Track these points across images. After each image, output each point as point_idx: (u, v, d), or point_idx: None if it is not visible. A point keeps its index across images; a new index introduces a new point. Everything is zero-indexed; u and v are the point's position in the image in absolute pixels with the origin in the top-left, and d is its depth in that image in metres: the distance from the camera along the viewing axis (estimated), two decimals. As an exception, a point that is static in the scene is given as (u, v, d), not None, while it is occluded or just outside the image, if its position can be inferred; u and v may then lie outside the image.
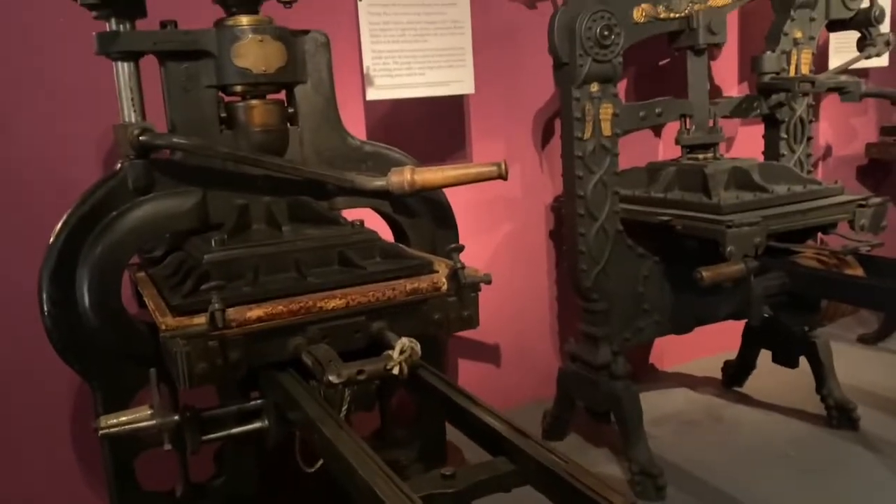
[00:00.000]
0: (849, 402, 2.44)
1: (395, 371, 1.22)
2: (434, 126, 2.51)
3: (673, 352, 3.04)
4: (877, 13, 2.48)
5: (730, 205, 1.99)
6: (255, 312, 1.26)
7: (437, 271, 1.46)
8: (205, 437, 1.37)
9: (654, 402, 2.67)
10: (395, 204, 1.77)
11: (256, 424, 1.40)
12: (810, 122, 2.51)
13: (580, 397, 2.36)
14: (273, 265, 1.44)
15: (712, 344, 2.95)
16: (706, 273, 1.84)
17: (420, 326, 1.42)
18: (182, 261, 1.53)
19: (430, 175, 1.66)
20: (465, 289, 1.43)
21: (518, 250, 2.71)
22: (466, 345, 2.64)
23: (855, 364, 2.89)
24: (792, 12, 2.40)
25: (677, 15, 2.23)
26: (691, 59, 2.30)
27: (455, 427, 1.24)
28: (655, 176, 2.31)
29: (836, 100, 2.79)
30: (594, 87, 2.11)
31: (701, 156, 2.31)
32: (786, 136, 2.47)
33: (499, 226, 2.67)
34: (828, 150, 3.38)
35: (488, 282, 1.46)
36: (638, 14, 2.17)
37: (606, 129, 2.15)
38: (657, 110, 2.27)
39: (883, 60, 3.04)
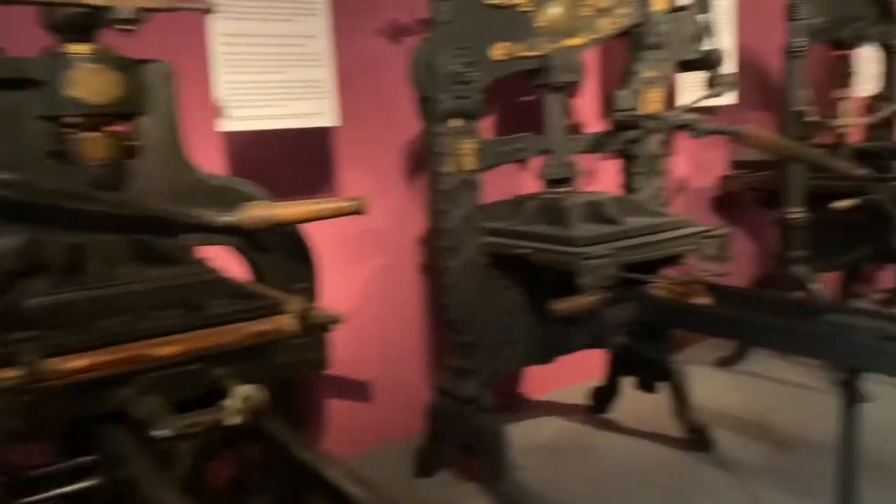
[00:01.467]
0: (704, 426, 2.55)
1: (233, 421, 1.15)
2: (300, 159, 2.46)
3: (544, 380, 3.09)
4: (718, 56, 2.64)
5: (585, 237, 2.05)
6: (78, 363, 1.17)
7: (285, 312, 1.41)
8: (25, 500, 1.25)
9: (524, 432, 2.69)
10: (248, 240, 1.71)
11: (87, 483, 1.29)
12: (663, 156, 2.64)
13: (449, 431, 2.34)
14: (107, 309, 1.35)
15: (582, 371, 3.02)
16: (560, 305, 1.88)
17: (266, 371, 1.36)
18: (5, 307, 1.41)
19: (284, 210, 1.62)
20: (314, 330, 1.39)
21: (389, 284, 2.68)
22: (336, 382, 2.58)
23: (713, 387, 3.04)
24: (641, 53, 2.52)
25: (536, 53, 2.29)
26: (550, 97, 2.37)
27: (297, 481, 1.19)
28: (519, 209, 2.35)
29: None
30: (456, 123, 2.13)
31: (561, 189, 2.38)
32: (640, 170, 2.58)
33: (368, 259, 2.64)
34: (684, 183, 3.56)
35: (338, 322, 1.42)
36: (497, 52, 2.22)
37: (469, 163, 2.17)
38: (518, 146, 2.32)
39: (731, 98, 3.26)
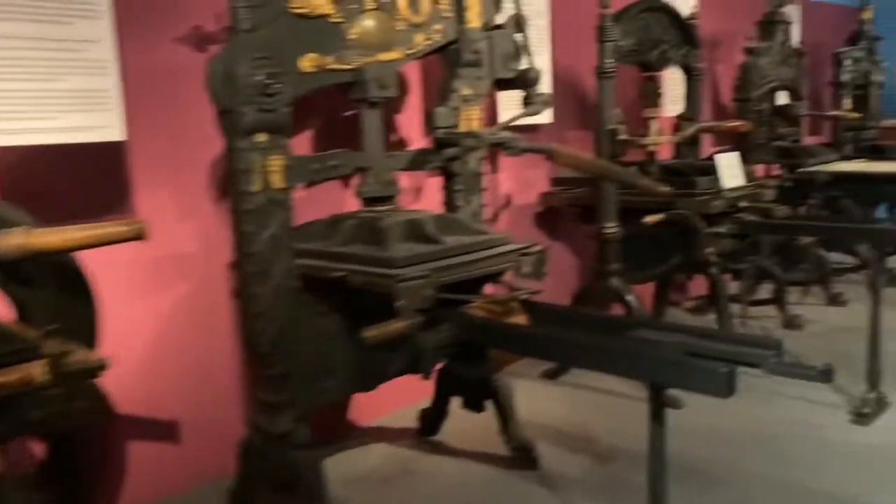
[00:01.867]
0: (528, 443, 2.55)
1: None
2: (88, 178, 2.20)
3: (373, 405, 2.98)
4: (534, 75, 2.67)
5: (402, 258, 1.97)
6: None
7: (38, 358, 1.20)
8: None
9: (349, 462, 2.57)
10: (6, 272, 1.47)
11: None
12: (483, 174, 2.62)
13: (263, 470, 2.17)
14: None
15: (412, 392, 2.93)
16: (371, 333, 1.78)
17: (15, 429, 1.15)
18: None
19: (44, 238, 1.40)
20: (73, 378, 1.19)
21: (197, 313, 2.47)
22: (137, 423, 2.33)
23: (539, 400, 3.07)
24: (459, 70, 2.50)
25: (348, 67, 2.19)
26: (365, 112, 2.28)
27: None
28: (336, 229, 2.24)
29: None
30: (261, 138, 1.98)
31: (379, 208, 2.29)
32: (461, 188, 2.55)
33: (172, 287, 2.42)
34: (509, 200, 3.60)
35: (104, 367, 1.23)
36: (306, 63, 2.09)
37: (277, 181, 2.03)
38: (332, 163, 2.20)
39: (547, 117, 3.33)
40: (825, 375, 1.49)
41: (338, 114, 2.74)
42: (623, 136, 3.06)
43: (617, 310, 3.22)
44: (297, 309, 2.08)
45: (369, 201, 2.30)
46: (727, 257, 3.16)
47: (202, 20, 2.39)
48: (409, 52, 2.37)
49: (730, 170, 3.13)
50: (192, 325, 2.45)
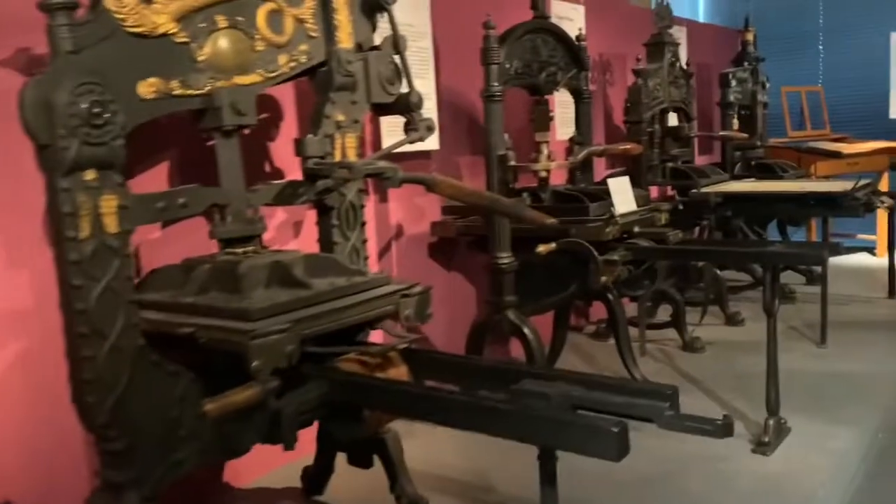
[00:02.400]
0: (420, 499, 2.33)
1: None
2: None
3: (252, 463, 2.69)
4: (415, 99, 2.50)
5: (258, 309, 1.73)
6: None
7: None
8: None
9: (220, 536, 2.28)
10: None
11: None
12: (363, 206, 2.41)
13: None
14: None
15: (297, 447, 2.67)
16: (211, 406, 1.53)
17: None
18: None
19: None
20: None
21: (32, 378, 2.13)
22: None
23: (435, 446, 2.85)
24: (331, 94, 2.29)
25: (197, 92, 1.95)
26: (220, 143, 2.03)
27: None
28: (190, 276, 1.97)
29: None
30: (89, 175, 1.71)
31: (240, 250, 2.04)
32: (338, 223, 2.33)
33: (2, 348, 2.08)
34: (399, 231, 3.40)
35: None
36: (145, 89, 1.84)
37: (111, 224, 1.75)
38: (181, 200, 1.94)
39: (434, 143, 3.16)
40: (725, 430, 1.34)
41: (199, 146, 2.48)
42: (513, 162, 2.92)
43: (515, 344, 3.06)
44: (141, 372, 1.80)
45: (228, 242, 2.05)
46: (625, 284, 3.06)
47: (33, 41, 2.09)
48: (271, 75, 2.14)
49: (621, 194, 3.04)
50: (28, 390, 2.11)
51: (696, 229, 4.05)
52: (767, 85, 5.60)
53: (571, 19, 3.96)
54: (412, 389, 1.58)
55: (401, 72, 2.47)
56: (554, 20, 3.83)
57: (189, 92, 1.93)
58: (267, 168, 2.82)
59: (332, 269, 2.06)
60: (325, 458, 2.51)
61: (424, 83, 3.01)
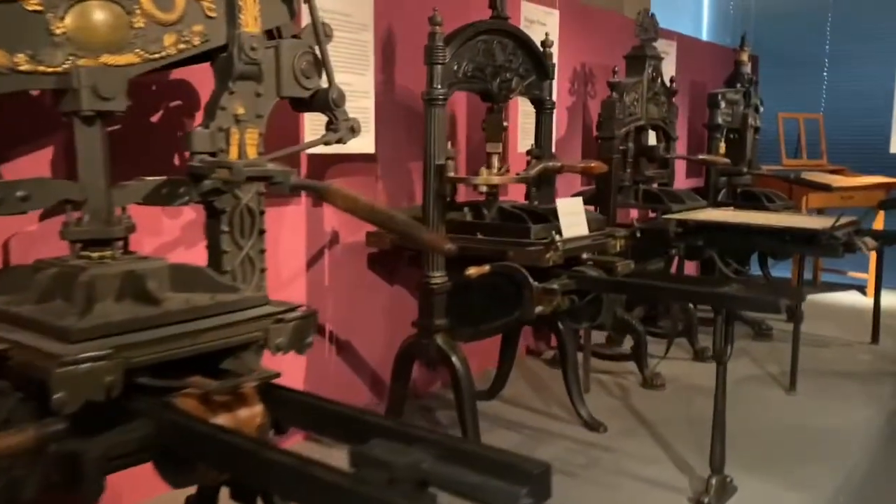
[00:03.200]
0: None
1: None
2: None
3: (137, 486, 2.43)
4: (335, 96, 2.23)
5: (82, 329, 1.46)
6: None
7: None
8: None
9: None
10: None
11: None
12: (263, 212, 2.14)
13: None
14: None
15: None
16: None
17: None
18: None
19: None
20: None
21: None
22: None
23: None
24: (230, 83, 2.02)
25: (50, 69, 1.68)
26: (80, 130, 1.76)
27: None
28: (35, 280, 1.71)
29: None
30: None
31: (96, 254, 1.78)
32: (228, 229, 2.05)
33: None
34: (335, 238, 3.14)
35: None
36: (-17, 62, 1.57)
37: (-80, 217, 1.49)
38: (20, 193, 1.67)
39: (368, 146, 2.89)
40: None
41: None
42: (451, 173, 2.65)
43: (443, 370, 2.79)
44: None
45: (85, 245, 1.78)
46: (568, 314, 2.78)
47: None
48: (152, 56, 1.87)
49: (571, 216, 2.77)
50: None
51: (667, 258, 3.77)
52: (761, 108, 5.33)
53: (543, 24, 3.69)
54: (240, 444, 1.32)
55: (319, 64, 2.21)
56: (523, 24, 3.58)
57: (40, 69, 1.66)
58: (176, 161, 2.57)
59: (200, 283, 1.79)
60: (208, 491, 2.24)
61: (362, 80, 2.75)
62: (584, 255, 2.77)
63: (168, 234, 2.56)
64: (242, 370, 1.72)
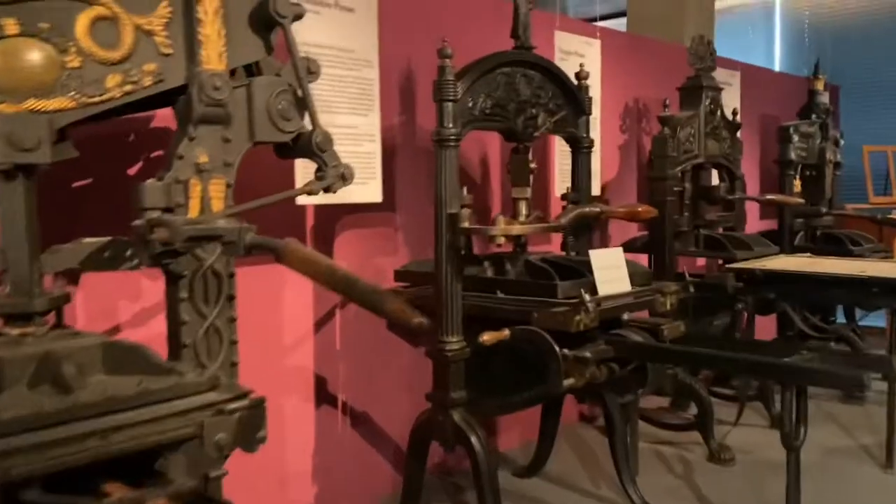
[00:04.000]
0: None
1: None
2: None
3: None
4: (318, 139, 1.95)
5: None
6: None
7: None
8: None
9: None
10: None
11: None
12: (233, 275, 1.86)
13: None
14: None
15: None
16: None
17: None
18: None
19: None
20: None
21: None
22: None
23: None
24: (191, 129, 1.76)
25: (-44, 115, 1.45)
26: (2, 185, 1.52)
27: None
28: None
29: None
30: None
31: (16, 331, 1.52)
32: (187, 295, 1.77)
33: None
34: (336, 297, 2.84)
35: None
36: None
37: None
38: (-80, 261, 1.44)
39: (375, 196, 2.58)
40: None
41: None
42: (466, 224, 2.32)
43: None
44: None
45: (5, 319, 1.53)
46: (611, 386, 2.38)
47: None
48: (91, 99, 1.62)
49: (609, 270, 2.38)
50: None
51: (734, 314, 3.30)
52: (842, 142, 4.80)
53: (582, 55, 3.35)
54: None
55: (300, 104, 1.93)
56: (558, 56, 3.25)
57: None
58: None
59: (135, 364, 1.50)
60: None
61: (366, 121, 2.47)
62: (625, 316, 2.37)
63: (148, 299, 2.31)
64: (176, 473, 1.41)
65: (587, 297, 2.14)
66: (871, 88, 6.70)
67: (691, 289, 3.07)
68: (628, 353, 2.22)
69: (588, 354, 2.15)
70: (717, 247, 3.42)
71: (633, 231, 3.91)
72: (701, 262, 4.34)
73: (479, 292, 2.42)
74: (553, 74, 2.72)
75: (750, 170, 5.38)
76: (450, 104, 2.33)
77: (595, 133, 3.49)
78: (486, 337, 2.16)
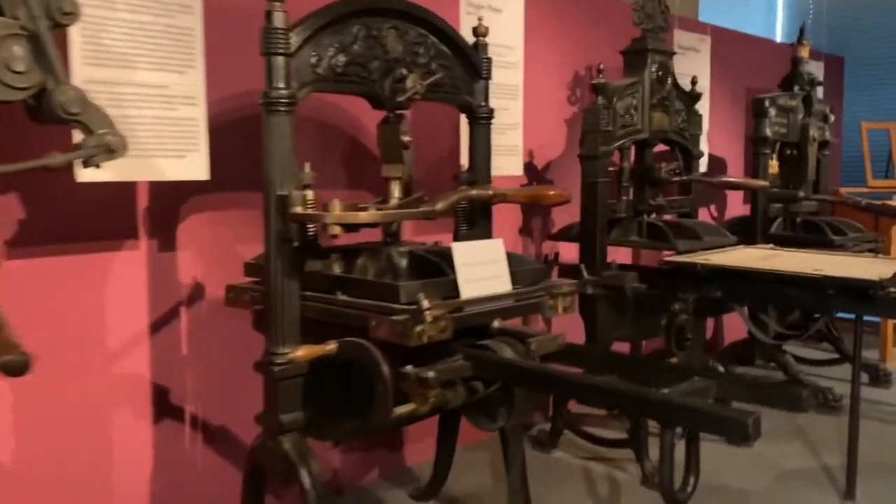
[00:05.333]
0: None
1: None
2: None
3: None
4: (64, 97, 1.52)
5: None
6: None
7: None
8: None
9: None
10: None
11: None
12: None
13: None
14: None
15: None
16: None
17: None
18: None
19: None
20: None
21: None
22: None
23: None
24: None
25: None
26: None
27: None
28: None
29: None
30: None
31: None
32: None
33: None
34: (198, 292, 2.41)
35: None
36: None
37: None
38: None
39: (202, 173, 2.14)
40: None
41: None
42: (298, 209, 1.87)
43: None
44: None
45: None
46: (479, 410, 1.94)
47: None
48: None
49: (478, 268, 1.93)
50: None
51: (672, 315, 2.82)
52: (831, 117, 4.26)
53: (499, 9, 2.85)
54: None
55: (42, 52, 1.51)
56: (465, 9, 2.77)
57: None
58: None
59: None
60: None
61: (182, 79, 2.02)
62: (495, 324, 1.91)
63: None
64: None
65: (426, 302, 1.69)
66: (881, 61, 6.10)
67: (589, 290, 2.60)
68: (481, 371, 1.77)
69: (431, 374, 1.71)
70: (657, 236, 2.93)
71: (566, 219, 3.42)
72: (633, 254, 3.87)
73: (323, 292, 1.98)
74: (438, 29, 2.25)
75: (731, 149, 4.86)
76: (280, 59, 1.88)
77: (517, 105, 3.04)
78: (301, 352, 1.72)
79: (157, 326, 2.31)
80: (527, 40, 3.01)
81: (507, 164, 2.91)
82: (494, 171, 2.70)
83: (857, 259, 2.91)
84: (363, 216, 1.86)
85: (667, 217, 3.22)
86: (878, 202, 4.23)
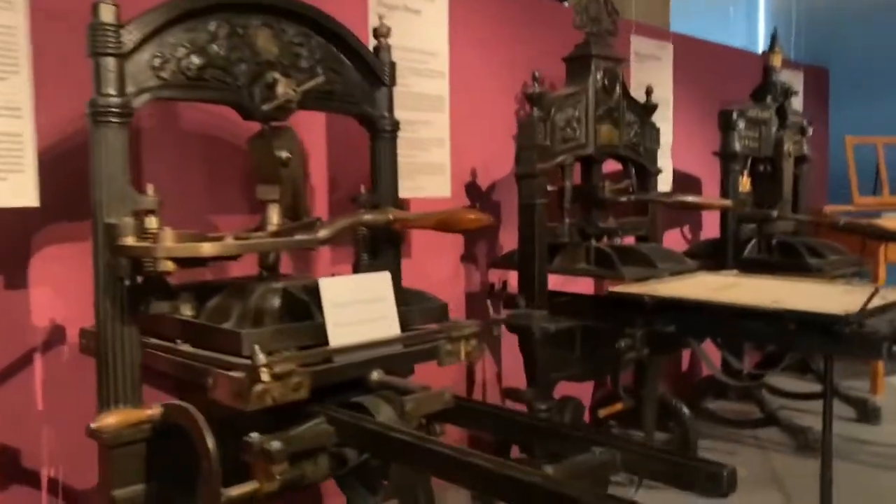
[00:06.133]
0: None
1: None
2: None
3: None
4: None
5: None
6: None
7: None
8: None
9: None
10: None
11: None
12: None
13: None
14: None
15: None
16: None
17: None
18: None
19: None
20: None
21: None
22: None
23: None
24: None
25: None
26: None
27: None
28: None
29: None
30: None
31: None
32: None
33: None
34: (58, 335, 2.08)
35: None
36: None
37: None
38: None
39: (28, 199, 1.81)
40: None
41: None
42: (129, 240, 1.54)
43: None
44: None
45: None
46: (356, 478, 1.59)
47: None
48: None
49: (355, 308, 1.59)
50: None
51: (622, 352, 2.48)
52: (808, 130, 3.94)
53: (417, 10, 2.54)
54: None
55: None
56: (374, 10, 2.45)
57: None
58: None
59: None
60: None
61: (6, 87, 1.70)
62: (375, 376, 1.57)
63: None
64: None
65: (261, 357, 1.35)
66: (866, 74, 5.81)
67: (495, 332, 2.26)
68: (346, 438, 1.43)
69: (276, 444, 1.37)
70: (604, 263, 2.60)
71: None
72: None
73: (164, 339, 1.65)
74: (325, 29, 1.94)
75: (703, 166, 4.53)
76: (110, 60, 1.56)
77: (443, 118, 2.72)
78: (112, 419, 1.38)
79: (2, 378, 1.97)
80: (454, 46, 2.71)
81: (430, 183, 2.59)
82: (416, 193, 2.38)
83: (833, 287, 2.57)
84: (205, 248, 1.52)
85: (625, 241, 2.90)
86: (865, 221, 3.89)
